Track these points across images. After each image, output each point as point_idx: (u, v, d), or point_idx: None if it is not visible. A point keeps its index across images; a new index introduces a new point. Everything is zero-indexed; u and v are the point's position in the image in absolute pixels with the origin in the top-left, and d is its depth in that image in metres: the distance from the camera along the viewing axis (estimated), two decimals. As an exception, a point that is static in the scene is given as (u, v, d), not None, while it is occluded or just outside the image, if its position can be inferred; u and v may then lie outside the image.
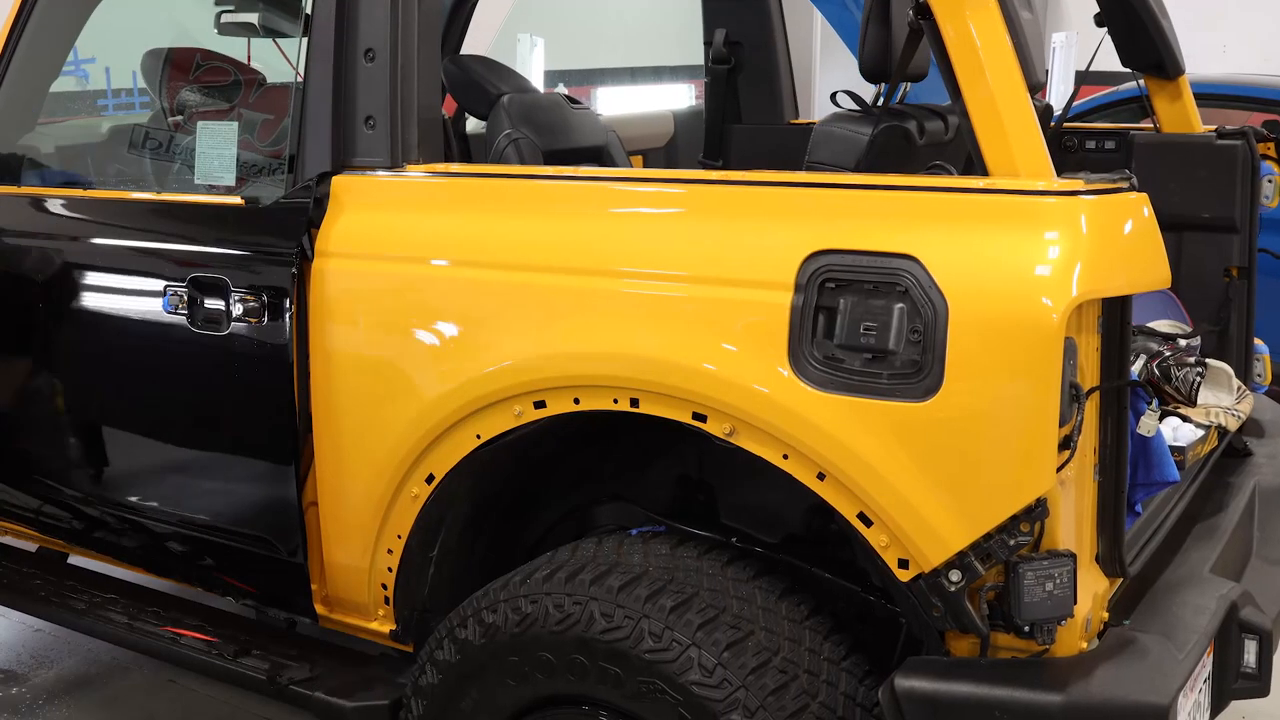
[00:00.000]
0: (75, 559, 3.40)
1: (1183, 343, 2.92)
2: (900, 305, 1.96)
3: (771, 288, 2.05)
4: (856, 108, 2.69)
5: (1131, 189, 2.02)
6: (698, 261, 2.13)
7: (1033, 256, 1.92)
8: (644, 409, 2.17)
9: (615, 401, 2.19)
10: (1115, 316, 2.05)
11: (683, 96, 10.55)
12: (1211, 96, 6.98)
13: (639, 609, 2.12)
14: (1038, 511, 1.94)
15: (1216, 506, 2.76)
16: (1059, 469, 1.94)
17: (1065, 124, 3.44)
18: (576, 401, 2.23)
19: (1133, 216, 2.03)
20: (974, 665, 2.00)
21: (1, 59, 3.11)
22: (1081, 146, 3.39)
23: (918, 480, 1.97)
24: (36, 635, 4.02)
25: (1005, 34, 2.08)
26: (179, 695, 3.66)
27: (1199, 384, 2.78)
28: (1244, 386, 3.00)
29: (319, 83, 2.53)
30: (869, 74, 2.46)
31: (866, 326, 1.98)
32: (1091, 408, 2.04)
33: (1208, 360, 2.88)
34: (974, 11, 2.07)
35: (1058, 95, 8.65)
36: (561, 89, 9.96)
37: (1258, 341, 3.25)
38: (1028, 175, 2.04)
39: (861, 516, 2.02)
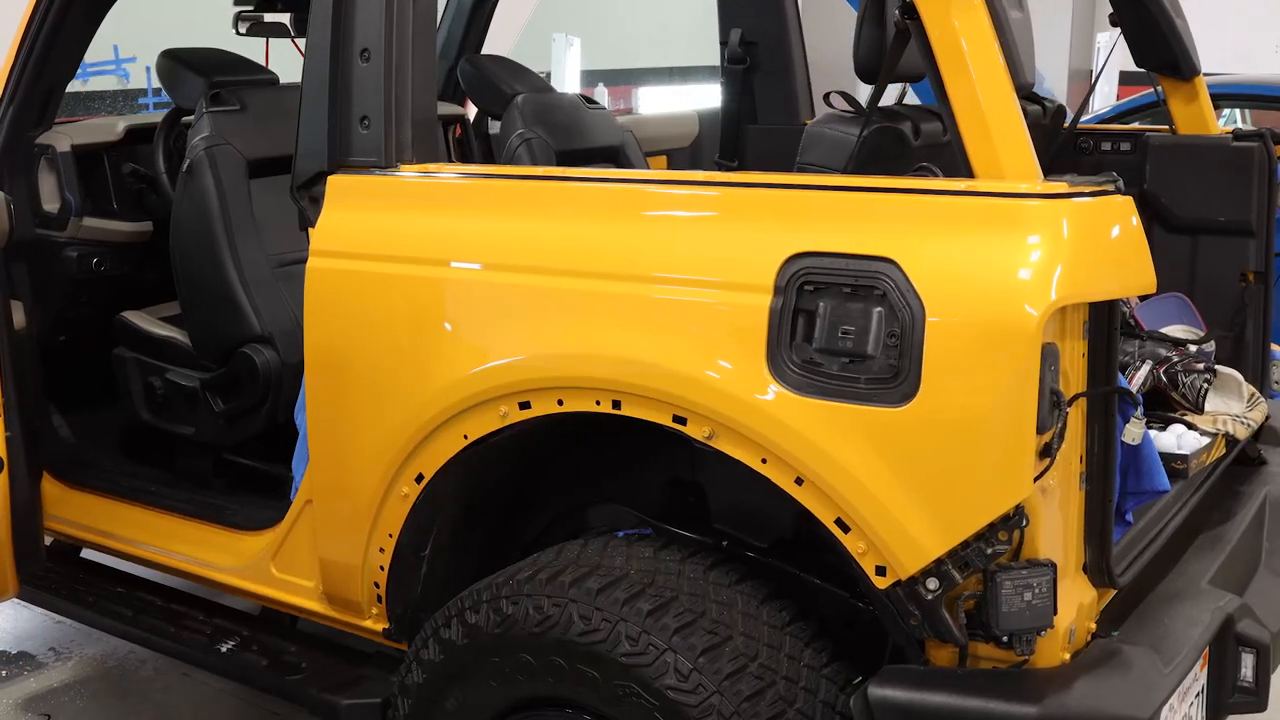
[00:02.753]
0: (88, 553, 3.44)
1: (1193, 348, 2.86)
2: (878, 309, 1.94)
3: (751, 290, 2.03)
4: (850, 108, 2.66)
5: (1117, 192, 1.98)
6: (678, 263, 2.11)
7: (1012, 260, 1.88)
8: (625, 411, 2.16)
9: (598, 403, 2.18)
10: (1102, 321, 2.01)
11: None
12: (1262, 98, 6.85)
13: (616, 612, 2.11)
14: (1015, 520, 1.91)
15: (1223, 516, 2.70)
16: (1038, 477, 1.91)
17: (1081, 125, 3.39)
18: (560, 403, 2.23)
19: (1118, 220, 1.98)
20: (950, 675, 1.97)
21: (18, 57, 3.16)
22: (1097, 148, 3.33)
23: (895, 486, 1.94)
24: (58, 626, 4.07)
25: (992, 34, 2.05)
26: (191, 689, 3.69)
27: (1206, 391, 2.72)
28: (1258, 394, 2.93)
29: (315, 82, 2.54)
30: (863, 74, 2.43)
31: (844, 330, 1.96)
32: (1078, 415, 2.01)
33: (1217, 367, 2.82)
34: (960, 11, 2.04)
35: (1102, 95, 8.55)
36: (602, 90, 9.98)
37: (1275, 347, 3.18)
38: (1013, 177, 2.01)
39: (839, 522, 2.00)
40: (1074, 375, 1.99)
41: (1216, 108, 7.04)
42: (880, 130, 2.47)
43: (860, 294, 1.95)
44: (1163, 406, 2.76)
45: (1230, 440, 2.73)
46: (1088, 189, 1.95)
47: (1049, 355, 1.89)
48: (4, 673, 3.83)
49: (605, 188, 2.35)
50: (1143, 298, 3.20)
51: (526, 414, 2.27)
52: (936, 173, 2.19)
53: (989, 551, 1.91)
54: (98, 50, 7.35)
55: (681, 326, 2.09)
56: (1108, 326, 2.01)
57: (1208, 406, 2.74)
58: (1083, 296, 1.93)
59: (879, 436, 1.94)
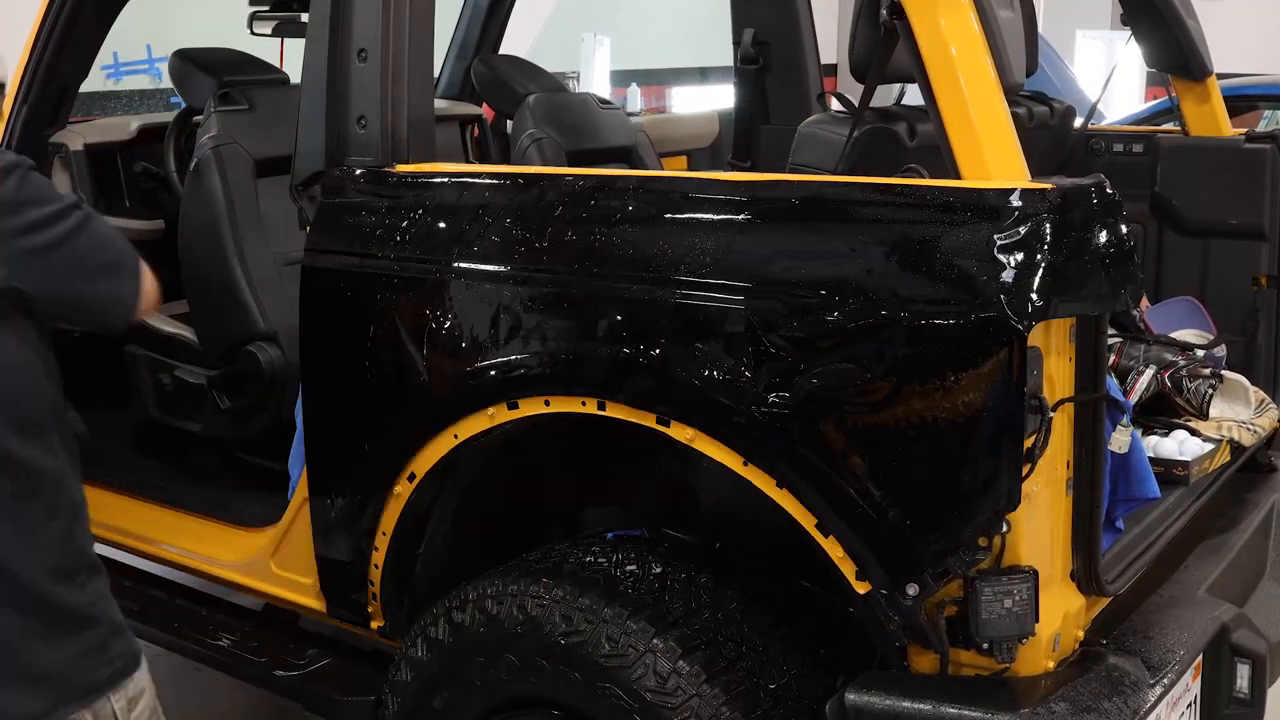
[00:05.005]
0: (99, 548, 3.46)
1: (1200, 353, 2.82)
2: (858, 311, 1.92)
3: (733, 291, 2.02)
4: (843, 109, 2.64)
5: (1105, 194, 1.95)
6: (660, 264, 2.10)
7: (993, 261, 1.85)
8: (610, 412, 2.15)
9: (583, 404, 2.18)
10: (1089, 326, 1.98)
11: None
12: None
13: (598, 614, 2.11)
14: (995, 526, 1.88)
15: (1227, 524, 2.66)
16: (1019, 482, 1.88)
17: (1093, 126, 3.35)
18: (547, 404, 2.22)
19: (1105, 222, 1.95)
20: (927, 682, 1.95)
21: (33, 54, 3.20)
22: (1109, 150, 3.29)
23: (873, 490, 1.92)
24: (75, 620, 4.12)
25: (979, 34, 2.02)
26: (201, 683, 3.72)
27: (1211, 396, 2.68)
28: (1268, 400, 2.88)
29: (314, 82, 2.56)
30: (858, 74, 2.41)
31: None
32: (1064, 421, 1.98)
33: (1224, 372, 2.77)
34: (946, 11, 2.02)
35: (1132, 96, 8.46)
36: (634, 89, 9.96)
37: (1288, 353, 3.12)
38: (1000, 178, 1.98)
39: (820, 526, 1.98)
40: (1061, 380, 1.96)
41: (1255, 109, 6.94)
42: (872, 131, 2.44)
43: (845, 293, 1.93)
44: (1167, 412, 2.72)
45: (1236, 447, 2.68)
46: (1074, 190, 1.92)
47: (1031, 359, 1.86)
48: (20, 665, 3.87)
49: (595, 189, 2.33)
50: (1153, 301, 3.16)
51: (514, 414, 2.26)
52: (923, 173, 2.17)
53: (968, 558, 1.89)
54: (131, 50, 7.45)
55: (663, 329, 2.08)
56: (1095, 331, 1.98)
57: (1212, 412, 2.69)
58: (1068, 299, 1.90)
59: (859, 439, 1.92)
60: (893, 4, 2.06)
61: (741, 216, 2.06)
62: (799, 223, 2.03)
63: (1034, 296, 1.83)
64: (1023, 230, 1.87)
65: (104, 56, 7.68)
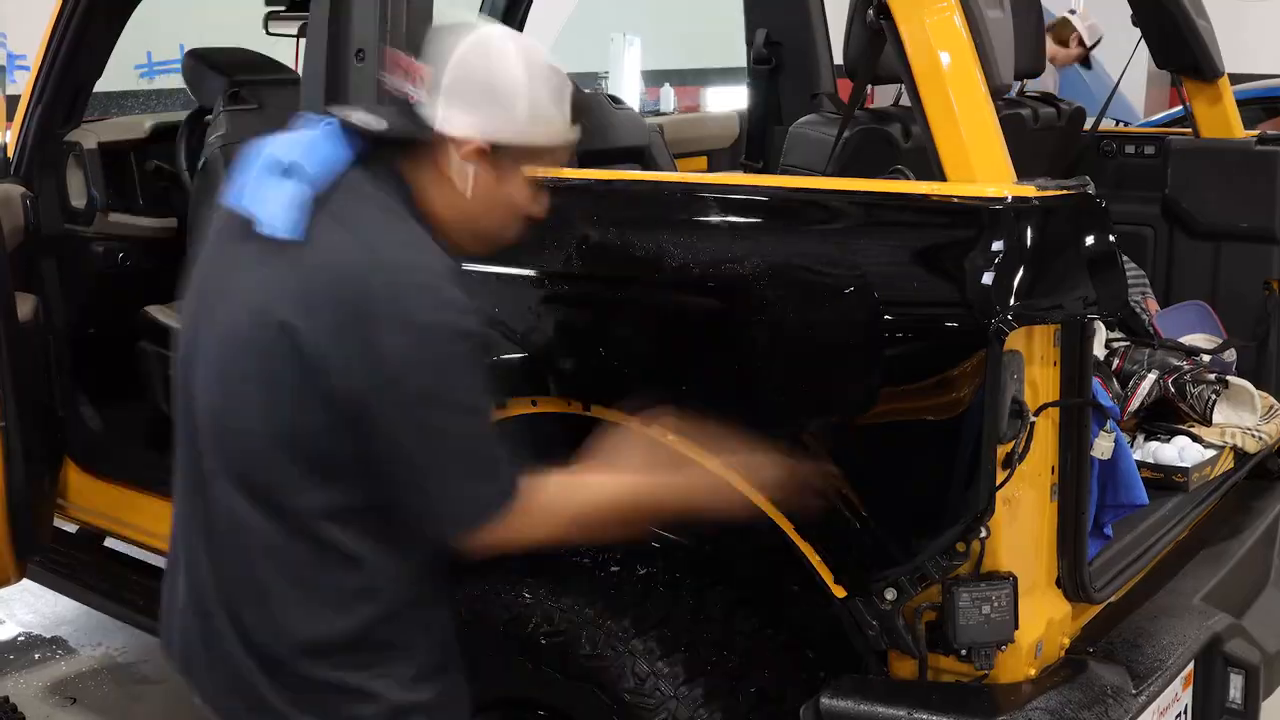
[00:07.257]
0: (111, 542, 3.51)
1: (1206, 358, 2.78)
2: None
3: (711, 294, 2.01)
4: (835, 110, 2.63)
5: (1089, 195, 1.93)
6: (643, 267, 2.10)
7: (973, 264, 1.84)
8: (596, 413, 2.15)
9: (569, 404, 2.18)
10: (1075, 330, 1.95)
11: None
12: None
13: (578, 614, 2.11)
14: (974, 531, 1.86)
15: (1230, 531, 2.62)
16: (998, 487, 1.86)
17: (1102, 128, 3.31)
18: (534, 404, 2.23)
19: (1089, 224, 1.93)
20: (903, 687, 1.93)
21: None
22: (1120, 152, 3.25)
23: (850, 494, 1.91)
24: (94, 613, 4.15)
25: (965, 34, 2.00)
26: (211, 678, 3.75)
27: (1214, 402, 2.64)
28: (1277, 406, 2.83)
29: (313, 82, 2.57)
30: (852, 75, 2.40)
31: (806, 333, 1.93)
32: (1049, 426, 1.96)
33: (1230, 378, 2.73)
34: (932, 11, 2.00)
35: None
36: (668, 90, 9.94)
37: (1300, 358, 3.07)
38: (984, 180, 1.96)
39: (798, 529, 1.97)
40: (1045, 385, 1.94)
41: (1290, 111, 6.81)
42: (864, 132, 2.43)
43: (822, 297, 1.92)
44: (1171, 418, 2.69)
45: (1240, 453, 2.64)
46: (1056, 193, 1.90)
47: (1011, 364, 1.84)
48: (36, 655, 3.93)
49: (583, 191, 2.33)
50: (1164, 305, 3.12)
51: (503, 414, 2.27)
52: (908, 175, 2.15)
53: (946, 563, 1.87)
54: (165, 49, 7.52)
55: (641, 331, 2.08)
56: (1080, 335, 1.95)
57: (1216, 418, 2.66)
58: (1048, 303, 1.88)
59: (835, 443, 1.91)
60: (879, 4, 2.04)
61: (722, 219, 2.06)
62: (778, 225, 2.02)
63: (1012, 300, 1.81)
64: (1003, 233, 1.85)
65: (138, 55, 7.75)
